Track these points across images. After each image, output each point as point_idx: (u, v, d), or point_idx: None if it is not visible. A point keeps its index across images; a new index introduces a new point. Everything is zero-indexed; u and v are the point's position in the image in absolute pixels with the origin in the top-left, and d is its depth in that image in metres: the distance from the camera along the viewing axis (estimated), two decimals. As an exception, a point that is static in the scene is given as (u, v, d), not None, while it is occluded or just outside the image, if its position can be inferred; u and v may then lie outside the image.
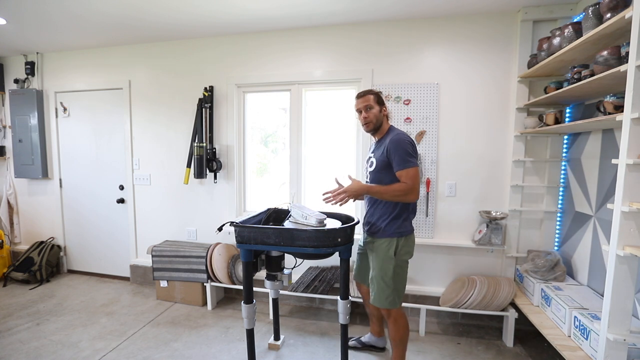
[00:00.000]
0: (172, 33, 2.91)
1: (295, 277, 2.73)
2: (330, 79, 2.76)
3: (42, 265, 3.37)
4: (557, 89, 2.03)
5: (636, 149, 1.30)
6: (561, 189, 2.44)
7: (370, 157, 1.94)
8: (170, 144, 3.20)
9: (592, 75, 1.64)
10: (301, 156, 2.90)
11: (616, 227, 1.35)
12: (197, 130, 2.98)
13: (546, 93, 2.13)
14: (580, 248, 2.22)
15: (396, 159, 1.77)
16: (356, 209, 2.83)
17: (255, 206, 3.11)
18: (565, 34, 1.87)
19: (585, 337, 1.69)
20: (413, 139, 1.88)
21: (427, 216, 2.65)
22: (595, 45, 1.70)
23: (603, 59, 1.54)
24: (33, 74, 3.47)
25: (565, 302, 1.90)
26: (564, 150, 2.43)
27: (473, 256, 2.64)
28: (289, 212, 2.06)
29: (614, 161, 1.39)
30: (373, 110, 1.87)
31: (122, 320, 2.68)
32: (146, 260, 3.26)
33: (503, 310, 2.37)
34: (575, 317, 1.79)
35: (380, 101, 1.90)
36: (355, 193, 1.82)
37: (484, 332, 2.54)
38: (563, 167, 2.43)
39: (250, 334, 1.96)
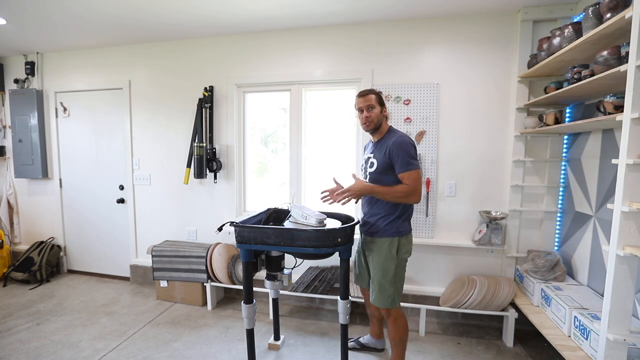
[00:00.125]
0: (172, 33, 2.91)
1: (295, 277, 2.73)
2: (330, 79, 2.76)
3: (42, 265, 3.37)
4: (557, 89, 2.03)
5: (636, 149, 1.30)
6: (561, 189, 2.44)
7: (369, 158, 1.94)
8: (170, 144, 3.20)
9: (592, 75, 1.64)
10: (301, 156, 2.90)
11: (616, 227, 1.35)
12: (197, 130, 2.98)
13: (546, 93, 2.13)
14: (580, 248, 2.22)
15: (399, 161, 1.78)
16: (356, 209, 2.83)
17: (255, 206, 3.11)
18: (565, 34, 1.87)
19: (585, 337, 1.69)
20: (414, 140, 1.88)
21: (427, 216, 2.65)
22: (595, 45, 1.70)
23: (603, 59, 1.54)
24: (33, 74, 3.47)
25: (565, 302, 1.90)
26: (564, 150, 2.43)
27: (473, 256, 2.64)
28: (289, 212, 2.06)
29: (614, 161, 1.39)
30: (375, 110, 1.87)
31: (122, 320, 2.68)
32: (146, 260, 3.26)
33: (503, 310, 2.37)
34: (575, 317, 1.79)
35: (381, 102, 1.90)
36: (358, 192, 1.83)
37: (484, 332, 2.54)
38: (563, 167, 2.43)
39: (250, 334, 1.96)
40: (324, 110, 2.94)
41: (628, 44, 1.35)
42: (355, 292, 2.59)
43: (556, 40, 1.95)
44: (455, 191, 2.62)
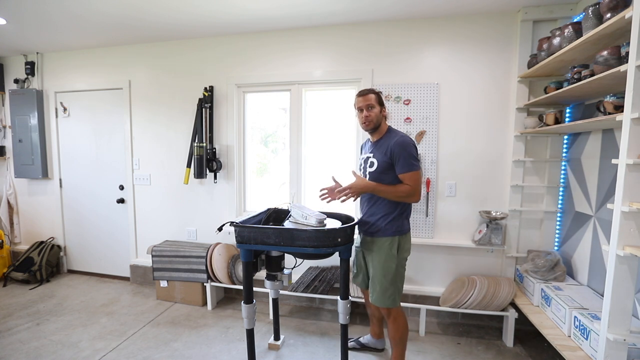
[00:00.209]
0: (172, 33, 2.91)
1: (295, 277, 2.73)
2: (330, 79, 2.77)
3: (42, 265, 3.37)
4: (557, 89, 2.03)
5: (636, 149, 1.30)
6: (561, 189, 2.44)
7: (369, 157, 1.94)
8: (170, 144, 3.20)
9: (592, 75, 1.64)
10: (301, 156, 2.90)
11: (616, 227, 1.35)
12: (197, 130, 2.98)
13: (546, 93, 2.13)
14: (580, 248, 2.22)
15: (401, 161, 1.79)
16: (356, 209, 2.82)
17: (255, 206, 3.11)
18: (565, 34, 1.87)
19: (585, 337, 1.69)
20: (414, 140, 1.89)
21: (427, 216, 2.65)
22: (595, 45, 1.70)
23: (603, 59, 1.54)
24: (33, 74, 3.47)
25: (565, 302, 1.90)
26: (564, 150, 2.43)
27: (473, 256, 2.64)
28: (289, 212, 2.06)
29: (614, 161, 1.39)
30: (374, 109, 1.87)
31: (122, 320, 2.68)
32: (146, 260, 3.26)
33: (503, 310, 2.37)
34: (575, 317, 1.79)
35: (381, 102, 1.91)
36: (360, 190, 1.83)
37: (484, 332, 2.54)
38: (563, 167, 2.43)
39: (250, 334, 1.96)
40: (324, 110, 2.94)
41: (628, 44, 1.35)
42: (355, 292, 2.59)
43: (556, 40, 1.95)
44: (455, 191, 2.62)
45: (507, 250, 2.53)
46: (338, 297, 1.89)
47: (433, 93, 2.58)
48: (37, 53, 3.46)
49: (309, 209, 1.96)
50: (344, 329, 1.89)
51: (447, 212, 2.65)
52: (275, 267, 2.08)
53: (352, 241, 1.86)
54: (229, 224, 1.89)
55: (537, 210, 2.49)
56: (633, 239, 1.32)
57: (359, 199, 2.00)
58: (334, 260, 2.34)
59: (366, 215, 1.95)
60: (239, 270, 2.85)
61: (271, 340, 2.37)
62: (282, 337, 2.41)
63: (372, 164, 1.90)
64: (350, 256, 1.88)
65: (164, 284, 2.99)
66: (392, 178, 1.84)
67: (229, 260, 2.88)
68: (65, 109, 3.49)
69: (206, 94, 2.96)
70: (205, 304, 2.92)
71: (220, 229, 1.98)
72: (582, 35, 1.70)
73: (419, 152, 2.53)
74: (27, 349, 2.27)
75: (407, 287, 2.69)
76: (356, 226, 1.92)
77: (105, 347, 2.31)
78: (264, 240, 1.79)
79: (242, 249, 1.85)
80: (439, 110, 2.59)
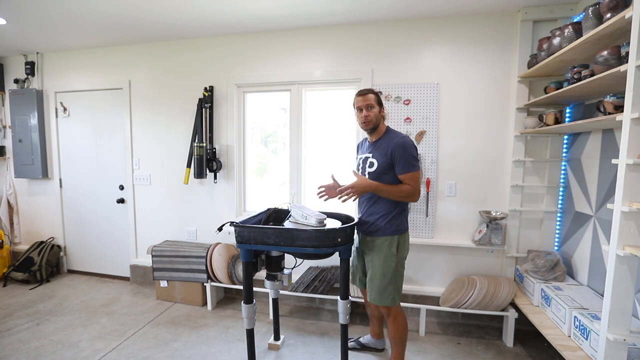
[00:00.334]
0: (172, 33, 2.91)
1: (295, 277, 2.73)
2: (330, 79, 2.77)
3: (42, 265, 3.37)
4: (557, 89, 2.03)
5: (636, 149, 1.30)
6: (561, 189, 2.44)
7: (367, 158, 1.94)
8: (170, 144, 3.20)
9: (592, 75, 1.64)
10: (301, 156, 2.90)
11: (616, 227, 1.35)
12: (197, 130, 2.98)
13: (546, 93, 2.13)
14: (580, 248, 2.22)
15: (402, 162, 1.80)
16: (356, 209, 2.82)
17: (255, 206, 3.11)
18: (565, 34, 1.87)
19: (585, 337, 1.69)
20: (413, 140, 1.89)
21: (427, 216, 2.65)
22: (595, 45, 1.70)
23: (603, 59, 1.54)
24: (33, 74, 3.47)
25: (565, 302, 1.90)
26: (564, 150, 2.43)
27: (473, 256, 2.64)
28: (289, 212, 2.06)
29: (614, 161, 1.39)
30: (374, 109, 1.88)
31: (122, 320, 2.68)
32: (146, 260, 3.26)
33: (503, 310, 2.37)
34: (575, 317, 1.79)
35: (380, 102, 1.91)
36: (362, 190, 1.84)
37: (484, 332, 2.54)
38: (563, 167, 2.43)
39: (250, 334, 1.96)
40: (324, 110, 2.94)
41: (628, 44, 1.35)
42: (355, 292, 2.59)
43: (556, 40, 1.95)
44: (455, 191, 2.62)
45: (507, 250, 2.53)
46: (338, 297, 1.89)
47: (433, 93, 2.58)
48: (37, 53, 3.46)
49: (309, 209, 1.96)
50: (344, 329, 1.89)
51: (447, 212, 2.65)
52: (275, 267, 2.08)
53: (352, 241, 1.87)
54: (229, 224, 1.89)
55: (537, 210, 2.49)
56: (633, 239, 1.32)
57: (358, 198, 2.00)
58: (334, 260, 2.34)
59: (365, 215, 1.95)
60: (239, 270, 2.85)
61: (271, 340, 2.37)
62: (282, 337, 2.41)
63: (371, 164, 1.90)
64: (350, 256, 1.88)
65: (164, 284, 2.99)
66: (392, 178, 1.85)
67: (229, 260, 2.88)
68: (65, 109, 3.49)
69: (206, 94, 2.96)
70: (205, 304, 2.92)
71: (220, 229, 1.98)
72: (582, 35, 1.70)
73: (418, 152, 2.56)
74: (27, 349, 2.27)
75: (407, 287, 2.69)
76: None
77: (105, 347, 2.31)
78: (264, 240, 1.79)
79: (242, 249, 1.85)
80: (439, 110, 2.59)
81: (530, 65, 2.29)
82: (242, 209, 3.12)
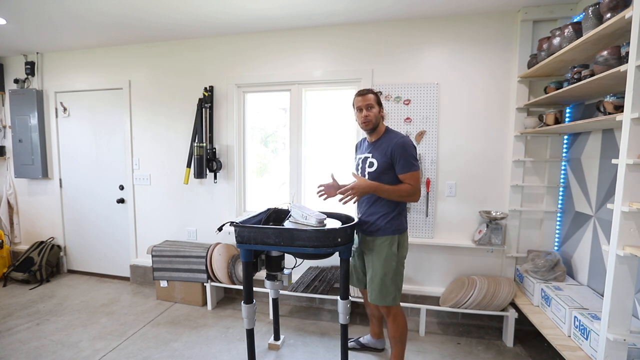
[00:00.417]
0: (172, 33, 2.91)
1: (295, 277, 2.73)
2: (330, 79, 2.77)
3: (42, 265, 3.37)
4: (557, 89, 2.03)
5: (636, 149, 1.30)
6: (561, 189, 2.44)
7: (367, 158, 1.94)
8: (170, 144, 3.20)
9: (592, 75, 1.64)
10: (301, 156, 2.90)
11: (616, 227, 1.35)
12: (197, 130, 2.98)
13: (546, 93, 2.13)
14: (580, 248, 2.22)
15: (402, 162, 1.81)
16: (356, 209, 2.82)
17: (255, 206, 3.11)
18: (565, 34, 1.87)
19: (585, 337, 1.70)
20: (413, 140, 1.90)
21: (427, 216, 2.65)
22: (595, 45, 1.70)
23: (603, 59, 1.54)
24: (33, 74, 3.47)
25: (565, 302, 1.90)
26: (564, 150, 2.43)
27: (473, 256, 2.64)
28: (289, 212, 2.06)
29: (614, 161, 1.39)
30: (374, 109, 1.88)
31: (122, 320, 2.68)
32: (146, 260, 3.26)
33: (503, 310, 2.37)
34: (575, 317, 1.79)
35: (379, 102, 1.92)
36: (363, 191, 1.83)
37: (484, 332, 2.54)
38: (563, 167, 2.43)
39: (250, 334, 1.96)
40: (324, 110, 2.94)
41: (628, 44, 1.35)
42: (355, 292, 2.59)
43: (556, 40, 1.95)
44: (455, 191, 2.62)
45: (507, 250, 2.53)
46: (338, 297, 1.89)
47: (433, 93, 2.58)
48: (37, 53, 3.46)
49: (309, 209, 1.96)
50: (344, 329, 1.89)
51: (447, 212, 2.65)
52: (275, 267, 2.08)
53: (352, 241, 1.87)
54: (229, 224, 1.89)
55: (537, 210, 2.49)
56: (633, 239, 1.32)
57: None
58: (334, 260, 2.33)
59: (365, 215, 1.95)
60: (239, 270, 2.85)
61: (271, 340, 2.37)
62: (282, 337, 2.41)
63: (371, 165, 1.90)
64: (351, 256, 1.88)
65: (164, 284, 2.99)
66: (392, 178, 1.85)
67: (229, 260, 2.88)
68: (65, 109, 3.49)
69: (206, 94, 2.96)
70: (205, 304, 2.92)
71: (220, 229, 1.98)
72: (582, 35, 1.70)
73: (418, 152, 2.56)
74: (27, 349, 2.27)
75: (407, 287, 2.69)
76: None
77: (105, 347, 2.31)
78: (264, 240, 1.79)
79: (242, 249, 1.85)
80: (439, 110, 2.59)
81: (530, 65, 2.29)
82: (242, 209, 3.12)
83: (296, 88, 2.86)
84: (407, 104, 2.62)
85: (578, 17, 2.12)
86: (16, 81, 3.48)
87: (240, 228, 1.82)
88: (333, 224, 1.92)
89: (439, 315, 2.71)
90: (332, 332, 2.52)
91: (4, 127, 3.67)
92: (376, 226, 1.88)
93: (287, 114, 2.95)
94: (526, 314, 2.15)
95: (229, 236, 2.98)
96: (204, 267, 2.83)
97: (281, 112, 3.07)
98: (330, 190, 2.05)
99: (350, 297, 1.92)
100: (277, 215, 2.18)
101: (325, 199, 2.07)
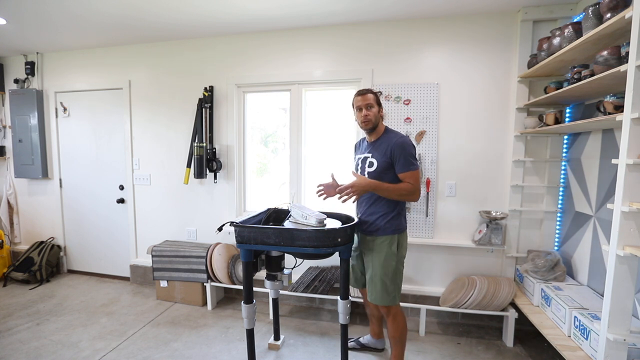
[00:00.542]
0: (172, 33, 2.91)
1: (295, 277, 2.73)
2: (330, 79, 2.77)
3: (42, 265, 3.37)
4: (557, 89, 2.03)
5: (636, 149, 1.30)
6: (561, 189, 2.44)
7: (367, 157, 1.94)
8: (170, 144, 3.20)
9: (592, 75, 1.64)
10: (301, 156, 2.90)
11: (616, 227, 1.35)
12: (197, 130, 2.98)
13: (546, 93, 2.13)
14: (580, 248, 2.22)
15: (401, 161, 1.81)
16: (355, 209, 2.82)
17: (255, 206, 3.11)
18: (565, 34, 1.87)
19: (585, 337, 1.70)
20: (412, 140, 1.90)
21: (427, 216, 2.65)
22: (595, 45, 1.70)
23: (603, 59, 1.54)
24: (33, 74, 3.47)
25: (565, 302, 1.90)
26: (564, 150, 2.43)
27: (473, 256, 2.64)
28: (289, 212, 2.06)
29: (614, 161, 1.39)
30: (373, 109, 1.88)
31: (122, 320, 2.68)
32: (146, 260, 3.26)
33: (503, 310, 2.37)
34: (575, 317, 1.79)
35: (379, 102, 1.92)
36: (362, 189, 1.83)
37: (484, 332, 2.54)
38: (563, 167, 2.43)
39: (250, 334, 1.96)
40: (324, 110, 2.94)
41: (628, 44, 1.35)
42: (355, 292, 2.59)
43: (556, 40, 1.95)
44: (455, 191, 2.62)
45: (507, 250, 2.53)
46: (338, 297, 1.89)
47: (433, 93, 2.58)
48: (37, 53, 3.46)
49: (309, 209, 1.96)
50: (344, 329, 1.89)
51: (447, 212, 2.65)
52: (275, 267, 2.08)
53: (352, 241, 1.86)
54: (229, 224, 1.89)
55: (537, 210, 2.49)
56: (633, 239, 1.32)
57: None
58: (334, 260, 2.33)
59: (365, 215, 1.95)
60: (239, 270, 2.85)
61: (271, 340, 2.37)
62: (282, 337, 2.41)
63: (371, 164, 1.90)
64: (351, 256, 1.88)
65: (164, 284, 2.99)
66: (391, 178, 1.85)
67: (229, 260, 2.88)
68: (65, 109, 3.49)
69: (206, 94, 2.96)
70: (205, 304, 2.92)
71: (220, 229, 1.98)
72: (582, 35, 1.70)
73: (418, 152, 2.56)
74: (27, 349, 2.27)
75: (407, 287, 2.69)
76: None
77: (105, 347, 2.31)
78: (264, 240, 1.79)
79: (242, 249, 1.85)
80: (439, 110, 2.59)
81: (530, 65, 2.29)
82: (242, 209, 3.12)
83: (296, 88, 2.86)
84: (407, 104, 2.62)
85: (578, 17, 2.12)
86: (16, 81, 3.48)
87: (240, 228, 1.82)
88: (333, 224, 1.92)
89: (439, 315, 2.71)
90: (332, 332, 2.52)
91: (4, 127, 3.67)
92: (376, 226, 1.88)
93: (287, 114, 2.95)
94: (526, 314, 2.15)
95: (229, 236, 2.98)
96: (204, 267, 2.83)
97: (281, 112, 3.07)
98: (330, 190, 2.05)
99: (350, 297, 1.93)
100: (277, 215, 2.18)
101: (324, 199, 2.07)
